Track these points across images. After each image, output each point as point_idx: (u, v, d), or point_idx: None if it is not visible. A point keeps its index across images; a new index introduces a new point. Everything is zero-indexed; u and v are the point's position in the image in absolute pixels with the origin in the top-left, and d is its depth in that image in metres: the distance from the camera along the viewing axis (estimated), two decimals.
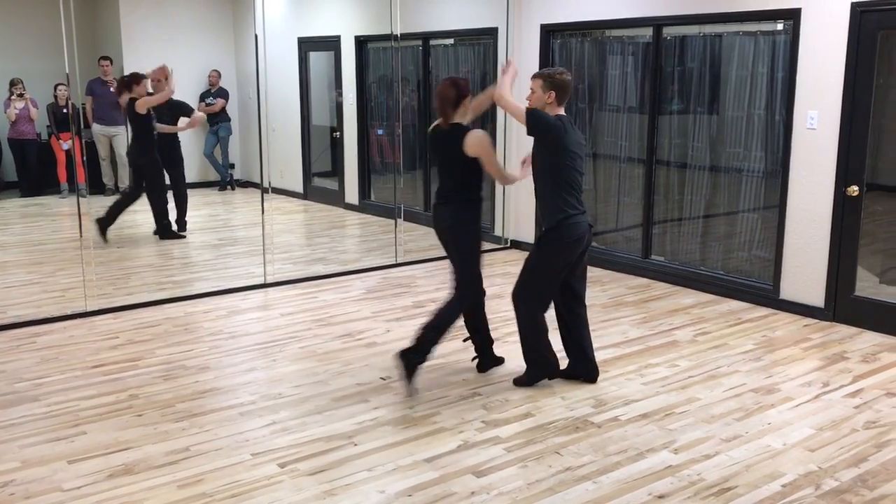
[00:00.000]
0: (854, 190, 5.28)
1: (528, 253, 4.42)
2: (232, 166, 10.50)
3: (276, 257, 6.85)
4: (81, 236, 6.04)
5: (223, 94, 10.14)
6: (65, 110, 9.38)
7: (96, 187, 9.18)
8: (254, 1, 6.73)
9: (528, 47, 7.37)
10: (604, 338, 5.17)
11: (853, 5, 5.14)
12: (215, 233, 8.01)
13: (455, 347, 4.89)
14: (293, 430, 3.84)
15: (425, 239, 7.81)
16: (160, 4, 9.80)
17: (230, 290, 6.27)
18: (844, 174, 5.32)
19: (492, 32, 7.62)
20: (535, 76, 4.23)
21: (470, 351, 4.73)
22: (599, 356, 4.85)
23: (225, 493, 3.27)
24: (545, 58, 7.24)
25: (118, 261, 7.19)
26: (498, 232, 7.87)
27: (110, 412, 4.04)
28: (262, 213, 6.69)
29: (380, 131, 9.38)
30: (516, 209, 7.78)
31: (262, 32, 6.65)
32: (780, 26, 5.71)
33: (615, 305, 5.92)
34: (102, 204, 9.14)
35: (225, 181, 10.35)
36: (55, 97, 9.54)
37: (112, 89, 8.88)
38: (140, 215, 9.14)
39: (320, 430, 3.84)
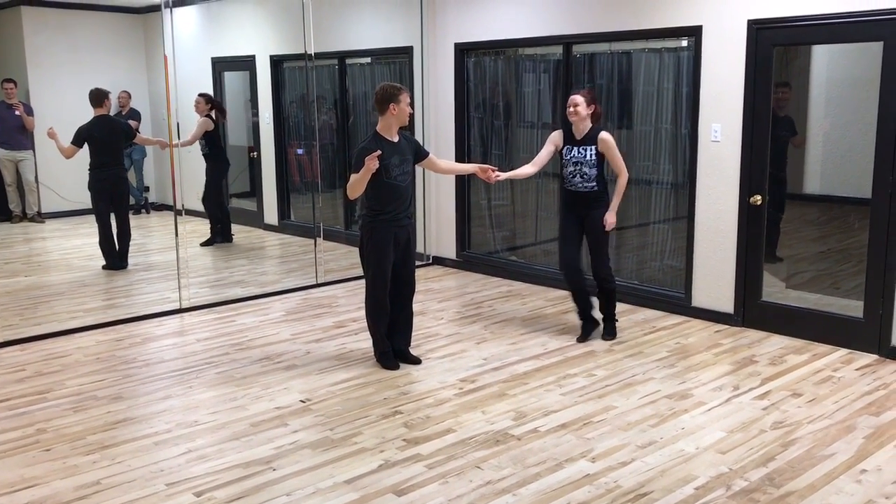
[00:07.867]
0: (757, 199, 5.49)
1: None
2: (146, 189, 10.25)
3: (191, 281, 6.71)
4: None
5: (135, 115, 9.88)
6: None
7: (2, 214, 8.83)
8: (162, 21, 6.59)
9: (444, 65, 7.45)
10: (524, 350, 5.24)
11: (749, 22, 5.36)
12: (129, 258, 7.77)
13: (377, 368, 4.90)
14: (210, 458, 3.75)
15: (346, 258, 7.77)
16: (67, 25, 9.51)
17: (144, 317, 6.10)
18: (748, 184, 5.53)
19: (408, 51, 7.67)
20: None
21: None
22: (519, 368, 4.91)
23: None
24: (460, 76, 7.32)
25: (25, 290, 6.92)
26: (420, 249, 7.89)
27: (15, 448, 3.88)
28: (176, 236, 6.55)
29: (299, 150, 9.30)
30: (437, 226, 7.82)
31: (172, 52, 6.53)
32: (683, 43, 5.92)
33: (535, 318, 6.00)
34: (9, 232, 8.83)
35: (140, 205, 10.08)
36: None
37: (17, 113, 8.58)
38: (50, 241, 8.86)
39: (238, 457, 3.76)
